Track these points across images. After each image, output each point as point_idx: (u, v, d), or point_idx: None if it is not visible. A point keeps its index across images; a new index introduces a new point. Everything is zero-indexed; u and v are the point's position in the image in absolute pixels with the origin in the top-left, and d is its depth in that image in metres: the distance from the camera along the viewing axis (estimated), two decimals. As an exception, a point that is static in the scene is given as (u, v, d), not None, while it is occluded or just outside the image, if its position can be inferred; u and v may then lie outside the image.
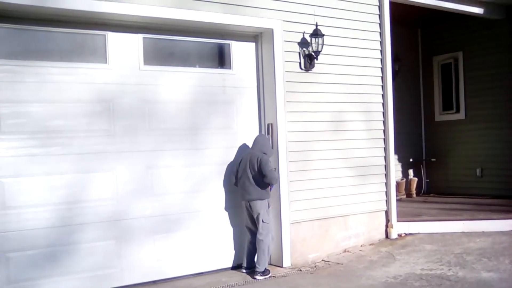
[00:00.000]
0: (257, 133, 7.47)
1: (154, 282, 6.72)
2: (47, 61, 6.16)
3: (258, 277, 6.80)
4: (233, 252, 7.37)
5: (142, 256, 6.66)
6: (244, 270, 7.08)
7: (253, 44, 7.62)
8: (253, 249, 6.99)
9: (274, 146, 7.33)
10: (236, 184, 7.06)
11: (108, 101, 6.49)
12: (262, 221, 6.86)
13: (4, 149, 5.88)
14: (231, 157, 7.31)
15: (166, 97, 6.89)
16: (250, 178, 6.83)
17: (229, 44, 7.43)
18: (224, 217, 7.30)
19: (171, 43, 7.05)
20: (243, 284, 6.67)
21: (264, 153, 6.89)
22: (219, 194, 7.26)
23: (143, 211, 6.68)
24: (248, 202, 6.87)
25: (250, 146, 7.15)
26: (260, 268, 6.84)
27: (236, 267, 7.31)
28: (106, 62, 6.52)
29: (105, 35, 6.50)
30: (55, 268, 6.12)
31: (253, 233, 6.99)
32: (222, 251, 7.29)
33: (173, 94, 6.95)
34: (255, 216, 6.90)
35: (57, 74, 6.19)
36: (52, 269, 6.10)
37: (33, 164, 6.02)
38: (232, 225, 7.35)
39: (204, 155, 7.15)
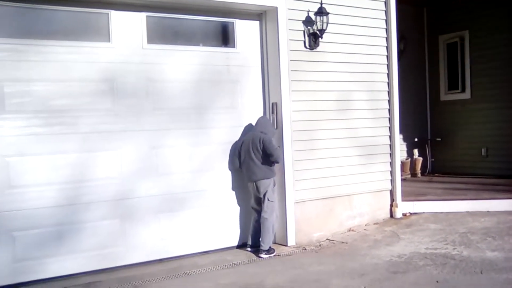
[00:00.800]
0: (261, 113, 7.46)
1: (160, 260, 6.75)
2: (50, 40, 6.13)
3: (263, 255, 6.82)
4: (239, 231, 7.38)
5: (147, 235, 6.68)
6: (249, 249, 7.11)
7: (257, 23, 7.55)
8: (258, 228, 7.00)
9: (278, 126, 7.31)
10: (240, 166, 7.06)
11: (112, 80, 6.47)
12: (268, 200, 6.88)
13: (8, 128, 5.88)
14: (235, 136, 7.29)
15: (170, 76, 6.86)
16: (254, 159, 6.84)
17: (233, 23, 7.37)
18: (229, 196, 7.30)
19: (175, 21, 7.00)
20: (248, 263, 6.68)
21: (264, 133, 6.88)
22: (224, 174, 7.25)
23: (147, 190, 6.68)
24: (255, 182, 6.88)
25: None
26: (264, 246, 6.86)
27: (241, 245, 7.34)
28: (109, 41, 6.48)
29: (108, 14, 6.45)
30: (60, 247, 6.15)
31: (259, 212, 7.01)
32: (227, 230, 7.30)
33: (177, 73, 6.91)
34: (261, 196, 6.91)
35: (60, 53, 6.16)
36: (57, 248, 6.13)
37: (37, 143, 6.02)
38: (237, 204, 7.36)
39: (209, 134, 7.13)
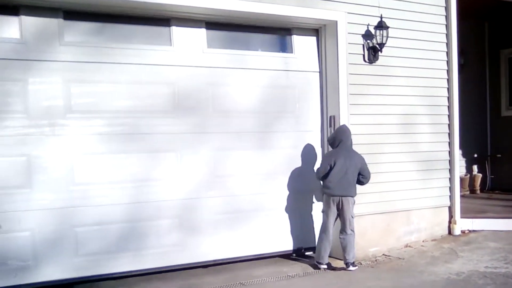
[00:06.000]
0: (319, 122, 7.56)
1: (214, 261, 6.85)
2: (113, 42, 6.36)
3: (351, 268, 6.77)
4: (290, 237, 7.39)
5: (204, 236, 6.78)
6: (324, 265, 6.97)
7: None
8: (325, 240, 6.91)
9: (336, 139, 7.30)
10: (325, 176, 6.84)
11: (173, 83, 6.63)
12: (351, 216, 6.84)
13: (73, 127, 6.08)
14: (295, 141, 7.38)
15: (229, 80, 6.98)
16: (350, 176, 6.77)
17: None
18: (286, 201, 7.34)
19: (233, 34, 7.15)
20: (303, 275, 6.68)
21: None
22: (285, 179, 7.31)
23: (206, 192, 6.79)
24: (342, 197, 6.77)
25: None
26: (352, 259, 6.83)
27: (296, 250, 7.38)
28: (171, 45, 6.67)
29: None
30: (119, 244, 6.32)
31: (331, 227, 6.90)
32: (281, 236, 7.32)
33: (236, 77, 7.02)
34: (344, 212, 6.79)
35: (124, 55, 6.37)
36: (116, 245, 6.30)
37: (100, 142, 6.21)
38: (292, 209, 7.36)
39: (269, 138, 7.22)
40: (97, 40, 6.28)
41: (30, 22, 5.90)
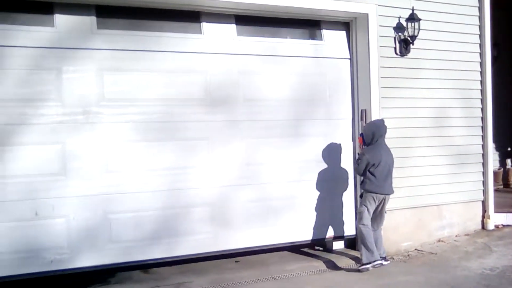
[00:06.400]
0: (350, 114, 7.52)
1: (247, 248, 6.88)
2: (141, 31, 6.41)
3: (384, 262, 6.70)
4: (322, 225, 7.35)
5: (235, 224, 6.81)
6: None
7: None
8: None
9: (367, 133, 7.25)
10: (367, 174, 6.66)
11: (204, 71, 6.66)
12: (385, 213, 6.83)
13: (107, 115, 6.15)
14: (325, 129, 7.34)
15: (259, 68, 6.98)
16: (391, 173, 6.73)
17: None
18: (316, 190, 7.30)
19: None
20: (334, 270, 6.69)
21: None
22: (313, 166, 7.27)
23: (237, 180, 6.81)
24: (387, 195, 6.69)
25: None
26: (384, 254, 6.83)
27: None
28: (201, 33, 6.70)
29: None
30: (152, 231, 6.37)
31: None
32: (312, 224, 7.29)
33: (266, 65, 7.02)
34: (384, 209, 6.76)
35: (157, 43, 6.42)
36: (149, 232, 6.35)
37: (133, 131, 6.28)
38: (323, 198, 7.32)
39: (300, 125, 7.20)
40: (130, 29, 6.35)
41: (64, 16, 6.01)
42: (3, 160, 5.71)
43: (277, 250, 7.27)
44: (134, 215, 6.27)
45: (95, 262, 6.08)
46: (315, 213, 7.27)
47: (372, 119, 7.14)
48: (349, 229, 7.43)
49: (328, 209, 7.34)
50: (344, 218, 7.42)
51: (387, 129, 6.77)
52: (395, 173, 6.94)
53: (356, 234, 7.23)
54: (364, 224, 6.59)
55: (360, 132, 7.16)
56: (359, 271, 6.53)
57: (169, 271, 6.59)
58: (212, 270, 6.63)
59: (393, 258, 7.10)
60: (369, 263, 6.52)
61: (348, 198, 7.44)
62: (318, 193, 7.29)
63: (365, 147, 6.73)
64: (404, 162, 7.41)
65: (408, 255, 7.27)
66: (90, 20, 6.12)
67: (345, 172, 7.43)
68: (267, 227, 6.98)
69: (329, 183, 7.34)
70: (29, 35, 5.84)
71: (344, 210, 7.43)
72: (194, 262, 6.75)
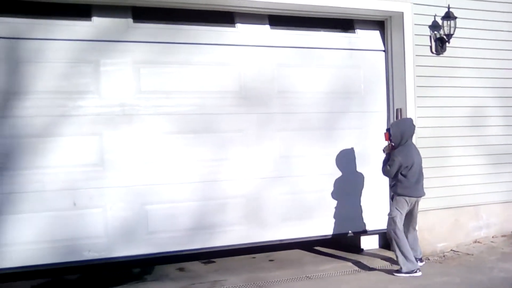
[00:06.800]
0: (385, 111, 7.47)
1: (281, 240, 6.91)
2: (176, 24, 6.48)
3: (420, 263, 6.61)
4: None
5: (269, 217, 6.83)
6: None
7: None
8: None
9: (403, 132, 7.18)
10: (398, 176, 6.48)
11: (238, 64, 6.71)
12: (417, 213, 6.74)
13: (143, 107, 6.25)
14: (359, 122, 7.32)
15: (294, 61, 7.00)
16: (423, 175, 6.60)
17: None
18: (346, 185, 7.27)
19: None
20: (369, 270, 6.67)
21: None
22: (347, 159, 7.24)
23: (270, 173, 6.84)
24: (419, 198, 6.57)
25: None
26: (420, 255, 6.76)
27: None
28: (234, 26, 6.75)
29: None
30: (187, 222, 6.43)
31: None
32: (344, 217, 7.25)
33: (300, 57, 7.04)
34: (415, 211, 6.62)
35: (190, 36, 6.49)
36: (184, 223, 6.42)
37: (169, 122, 6.36)
38: (352, 192, 7.31)
39: (335, 118, 7.19)
40: (166, 22, 6.43)
41: (102, 11, 6.13)
42: (43, 151, 5.83)
43: (308, 244, 7.32)
44: (170, 206, 6.34)
45: (131, 252, 6.17)
46: (344, 207, 7.22)
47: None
48: (378, 224, 7.31)
49: (356, 203, 7.32)
50: (373, 213, 7.35)
51: (423, 129, 6.69)
52: (431, 173, 6.88)
53: (385, 231, 6.89)
54: (398, 229, 6.40)
55: (387, 127, 7.03)
56: (393, 275, 6.41)
57: (204, 269, 6.67)
58: (246, 268, 6.68)
59: (428, 259, 7.03)
60: (408, 272, 6.31)
61: (377, 193, 7.38)
62: (348, 186, 7.26)
63: (393, 146, 6.52)
64: (440, 162, 7.33)
65: (444, 256, 7.19)
66: (126, 14, 6.23)
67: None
68: (299, 220, 6.98)
69: (358, 177, 7.32)
70: (68, 28, 5.96)
71: (373, 205, 7.38)
72: (227, 257, 6.85)
